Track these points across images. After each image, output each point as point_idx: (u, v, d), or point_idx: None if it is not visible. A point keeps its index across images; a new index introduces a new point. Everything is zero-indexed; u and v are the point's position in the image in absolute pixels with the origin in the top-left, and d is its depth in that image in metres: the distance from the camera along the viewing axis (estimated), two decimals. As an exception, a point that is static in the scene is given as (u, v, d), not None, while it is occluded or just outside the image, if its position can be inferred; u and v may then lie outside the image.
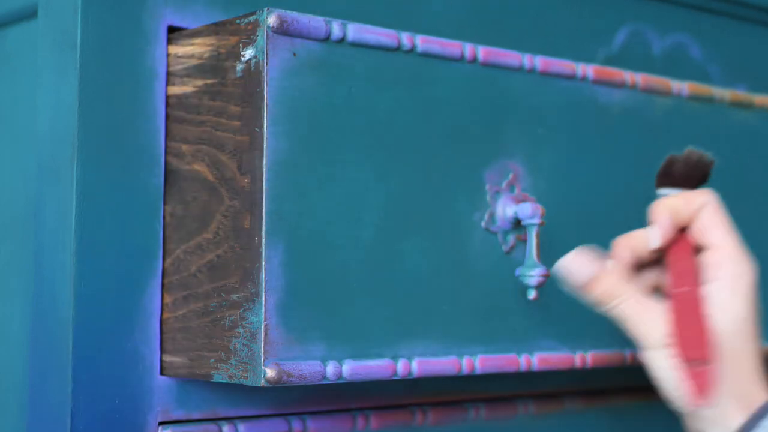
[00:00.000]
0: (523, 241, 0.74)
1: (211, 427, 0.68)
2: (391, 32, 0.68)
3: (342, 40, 0.66)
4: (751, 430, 0.66)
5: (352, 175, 0.66)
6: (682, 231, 0.72)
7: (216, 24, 0.67)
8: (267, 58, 0.63)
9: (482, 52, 0.73)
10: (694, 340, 0.68)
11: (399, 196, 0.68)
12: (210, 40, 0.67)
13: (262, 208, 0.62)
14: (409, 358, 0.68)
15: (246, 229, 0.63)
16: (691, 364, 0.67)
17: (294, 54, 0.64)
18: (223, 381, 0.64)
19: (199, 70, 0.67)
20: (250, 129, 0.63)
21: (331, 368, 0.64)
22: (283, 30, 0.63)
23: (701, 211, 0.71)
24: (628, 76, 0.81)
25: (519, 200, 0.74)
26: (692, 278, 0.70)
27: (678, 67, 0.95)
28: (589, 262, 0.71)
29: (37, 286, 0.68)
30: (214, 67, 0.66)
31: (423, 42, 0.70)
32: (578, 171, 0.78)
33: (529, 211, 0.72)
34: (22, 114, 0.75)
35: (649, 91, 0.83)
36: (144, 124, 0.67)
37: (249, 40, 0.64)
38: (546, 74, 0.76)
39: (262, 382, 0.62)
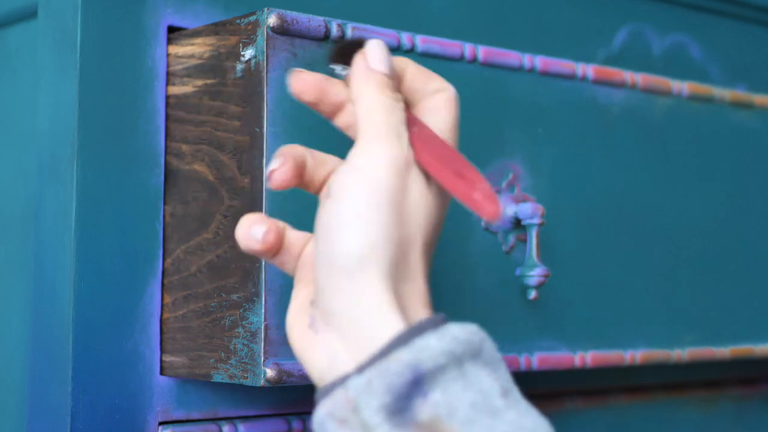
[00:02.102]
0: (523, 241, 0.74)
1: (211, 427, 0.68)
2: (391, 32, 0.68)
3: (341, 40, 0.66)
4: (405, 344, 0.50)
5: (352, 175, 0.66)
6: None
7: (216, 24, 0.67)
8: (267, 58, 0.63)
9: (482, 52, 0.73)
10: (461, 165, 0.58)
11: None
12: (210, 40, 0.67)
13: (262, 208, 0.62)
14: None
15: (246, 229, 0.63)
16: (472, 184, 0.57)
17: (294, 54, 0.64)
18: (223, 381, 0.64)
19: (199, 70, 0.67)
20: (250, 129, 0.63)
21: (331, 368, 0.64)
22: (283, 30, 0.63)
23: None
24: (628, 76, 0.81)
25: (519, 200, 0.74)
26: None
27: (678, 67, 0.95)
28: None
29: (37, 286, 0.68)
30: (214, 67, 0.66)
31: (423, 42, 0.70)
32: (578, 171, 0.78)
33: (529, 211, 0.72)
34: (22, 114, 0.75)
35: (649, 91, 0.83)
36: (144, 124, 0.67)
37: (249, 40, 0.64)
38: (546, 74, 0.76)
39: (262, 382, 0.62)
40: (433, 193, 0.56)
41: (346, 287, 0.52)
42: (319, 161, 0.59)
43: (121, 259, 0.66)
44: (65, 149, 0.66)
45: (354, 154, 0.55)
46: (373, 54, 0.58)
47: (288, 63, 0.63)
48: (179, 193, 0.68)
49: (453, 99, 0.59)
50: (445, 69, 0.71)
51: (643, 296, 0.82)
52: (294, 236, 0.59)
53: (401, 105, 0.58)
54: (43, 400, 0.67)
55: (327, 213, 0.54)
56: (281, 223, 0.59)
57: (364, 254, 0.52)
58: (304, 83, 0.58)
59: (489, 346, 0.52)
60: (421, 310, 0.54)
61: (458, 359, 0.50)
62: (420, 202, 0.55)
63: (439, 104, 0.59)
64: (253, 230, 0.57)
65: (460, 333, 0.51)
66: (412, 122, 0.58)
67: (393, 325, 0.51)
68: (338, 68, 0.61)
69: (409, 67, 0.60)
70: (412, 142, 0.57)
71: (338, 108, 0.59)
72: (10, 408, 0.74)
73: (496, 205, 0.55)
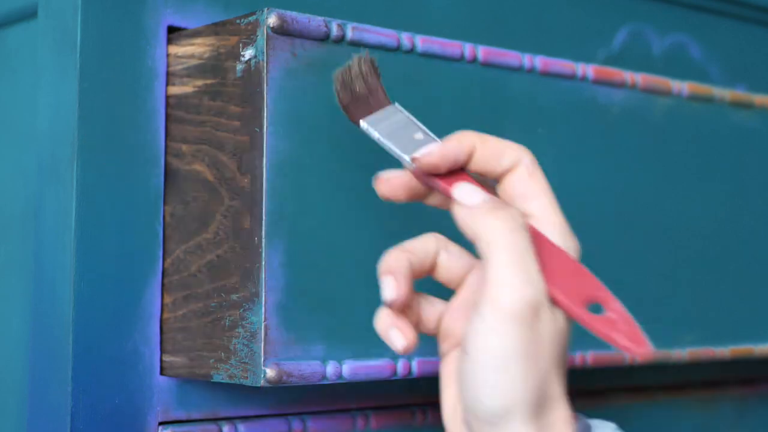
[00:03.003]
0: (523, 241, 0.74)
1: (211, 427, 0.68)
2: (391, 32, 0.68)
3: (341, 40, 0.66)
4: None
5: (352, 175, 0.66)
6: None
7: (216, 24, 0.67)
8: (267, 58, 0.63)
9: (482, 52, 0.73)
10: (588, 285, 0.57)
11: (399, 196, 0.68)
12: (210, 40, 0.67)
13: (262, 208, 0.62)
14: (409, 358, 0.68)
15: (246, 229, 0.63)
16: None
17: (294, 54, 0.64)
18: (223, 381, 0.64)
19: (199, 70, 0.67)
20: (250, 129, 0.63)
21: (331, 368, 0.64)
22: (283, 30, 0.63)
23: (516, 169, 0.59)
24: (628, 76, 0.81)
25: (519, 200, 0.74)
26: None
27: (678, 67, 0.95)
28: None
29: (37, 286, 0.68)
30: (214, 67, 0.66)
31: (423, 42, 0.70)
32: (578, 171, 0.78)
33: (529, 211, 0.72)
34: (22, 114, 0.75)
35: (649, 91, 0.83)
36: (144, 124, 0.67)
37: (249, 40, 0.64)
38: (546, 74, 0.76)
39: (262, 382, 0.62)
40: (560, 314, 0.56)
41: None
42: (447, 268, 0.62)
43: (121, 259, 0.66)
44: (65, 149, 0.66)
45: (483, 302, 0.54)
46: (463, 192, 0.58)
47: (288, 63, 0.63)
48: (179, 193, 0.68)
49: (534, 166, 0.58)
50: (445, 69, 0.71)
51: (643, 296, 0.82)
52: (428, 312, 0.61)
53: (525, 230, 0.55)
54: (43, 400, 0.67)
55: (464, 371, 0.55)
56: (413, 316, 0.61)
57: (505, 409, 0.53)
58: (392, 187, 0.60)
59: None
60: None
61: None
62: (550, 331, 0.55)
63: (525, 186, 0.59)
64: (391, 336, 0.58)
65: None
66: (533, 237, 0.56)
67: None
68: (367, 127, 0.60)
69: (477, 146, 0.59)
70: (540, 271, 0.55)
71: (427, 193, 0.61)
72: (10, 408, 0.74)
73: (644, 346, 0.54)
